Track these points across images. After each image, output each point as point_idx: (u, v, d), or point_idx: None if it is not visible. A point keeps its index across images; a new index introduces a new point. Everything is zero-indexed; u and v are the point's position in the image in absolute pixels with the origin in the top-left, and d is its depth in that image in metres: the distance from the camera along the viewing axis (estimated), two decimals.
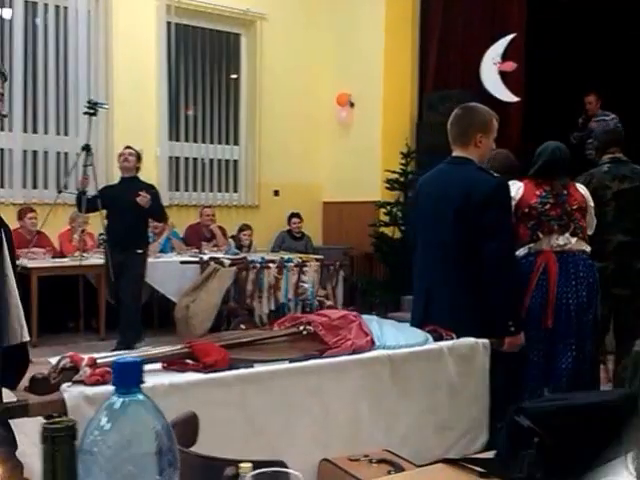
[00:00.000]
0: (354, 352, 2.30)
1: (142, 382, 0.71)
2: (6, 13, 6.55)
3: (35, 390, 1.79)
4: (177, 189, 7.50)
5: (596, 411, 1.14)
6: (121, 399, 0.70)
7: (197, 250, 6.65)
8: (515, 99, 6.74)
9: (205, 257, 6.24)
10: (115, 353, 2.14)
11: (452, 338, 2.52)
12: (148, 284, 6.16)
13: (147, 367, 1.96)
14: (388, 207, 7.11)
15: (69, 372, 1.86)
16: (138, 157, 5.51)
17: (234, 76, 8.04)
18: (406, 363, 2.37)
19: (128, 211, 5.17)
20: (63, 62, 6.84)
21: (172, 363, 2.08)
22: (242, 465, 0.86)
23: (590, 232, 3.30)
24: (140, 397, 0.70)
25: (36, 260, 5.81)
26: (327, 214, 8.14)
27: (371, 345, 2.36)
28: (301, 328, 2.39)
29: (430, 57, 7.54)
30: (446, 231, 2.68)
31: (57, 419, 0.68)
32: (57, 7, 6.81)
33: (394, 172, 7.13)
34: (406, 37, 7.61)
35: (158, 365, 2.05)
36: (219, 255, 6.40)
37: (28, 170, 6.68)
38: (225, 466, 1.06)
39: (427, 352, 2.44)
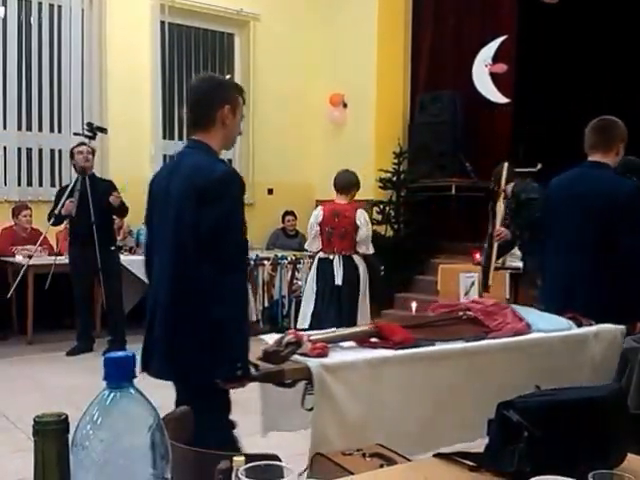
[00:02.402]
0: (515, 334, 2.57)
1: (134, 376, 0.71)
2: (0, 11, 6.56)
3: (268, 360, 2.13)
4: None
5: (583, 406, 1.16)
6: (113, 393, 0.70)
7: None
8: (505, 100, 6.83)
9: None
10: (326, 331, 2.42)
11: (591, 324, 2.75)
12: (142, 282, 6.20)
13: (343, 344, 2.34)
14: (381, 206, 7.19)
15: (293, 346, 2.16)
16: (94, 153, 5.42)
17: (228, 76, 8.07)
18: (562, 345, 2.61)
19: (96, 210, 5.10)
20: (57, 60, 6.84)
21: (362, 341, 2.37)
22: (235, 459, 0.88)
23: None
24: (132, 391, 0.70)
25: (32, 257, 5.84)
26: None
27: (527, 329, 2.62)
28: (460, 314, 2.67)
29: (422, 58, 7.61)
30: (587, 228, 2.96)
31: (49, 413, 0.67)
32: (51, 5, 6.82)
33: (387, 171, 7.20)
34: (398, 38, 7.68)
35: (352, 343, 2.36)
36: None
37: (23, 167, 6.69)
38: (218, 459, 1.08)
39: (576, 336, 2.68)
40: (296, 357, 2.16)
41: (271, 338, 2.27)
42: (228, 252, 1.99)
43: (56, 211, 5.16)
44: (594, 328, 2.73)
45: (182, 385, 2.18)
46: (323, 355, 2.18)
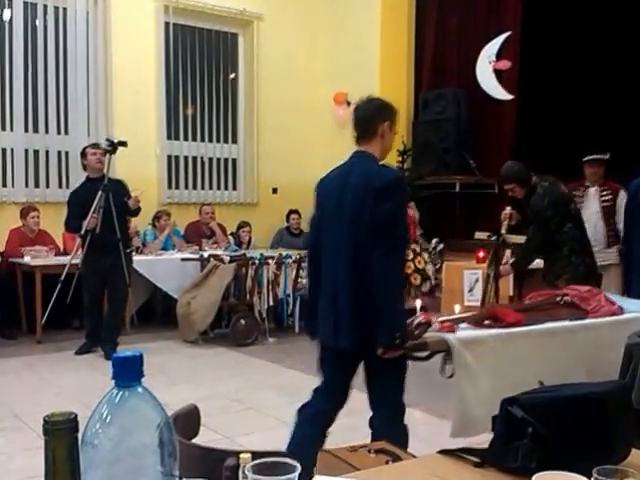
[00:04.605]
0: (610, 315, 2.93)
1: (142, 375, 0.72)
2: (6, 14, 6.59)
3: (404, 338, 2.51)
4: (177, 187, 7.55)
5: (587, 402, 1.16)
6: (121, 392, 0.71)
7: (197, 247, 6.71)
8: (509, 97, 6.82)
9: (205, 254, 6.31)
10: (464, 315, 2.75)
11: None
12: (149, 282, 6.24)
13: (462, 325, 2.71)
14: None
15: (424, 326, 2.56)
16: (105, 155, 5.27)
17: (232, 75, 8.09)
18: None
19: (116, 212, 5.05)
20: (63, 62, 6.87)
21: (477, 323, 2.71)
22: (242, 455, 0.89)
23: None
24: (140, 390, 0.71)
25: (40, 258, 5.89)
26: None
27: (621, 311, 2.98)
28: (558, 299, 3.01)
29: (426, 56, 7.60)
30: None
31: (59, 412, 0.68)
32: (56, 8, 6.84)
33: None
34: (402, 36, 7.67)
35: (467, 324, 2.74)
36: (219, 252, 6.46)
37: (30, 169, 6.72)
38: (225, 456, 1.09)
39: None
40: (429, 334, 2.57)
41: None
42: (396, 239, 2.38)
43: (82, 231, 5.09)
44: None
45: (363, 352, 2.51)
46: (452, 332, 2.58)
